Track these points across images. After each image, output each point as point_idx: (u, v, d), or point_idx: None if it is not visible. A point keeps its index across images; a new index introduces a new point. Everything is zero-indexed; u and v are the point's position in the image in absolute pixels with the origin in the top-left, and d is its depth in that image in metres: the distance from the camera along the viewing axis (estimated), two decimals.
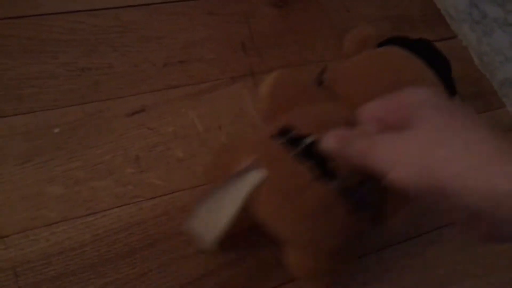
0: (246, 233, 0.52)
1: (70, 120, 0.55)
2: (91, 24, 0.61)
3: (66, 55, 0.59)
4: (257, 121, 0.57)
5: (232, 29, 0.67)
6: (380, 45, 0.56)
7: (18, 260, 0.47)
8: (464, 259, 0.58)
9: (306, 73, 0.50)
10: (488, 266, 0.58)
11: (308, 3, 0.72)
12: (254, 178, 0.41)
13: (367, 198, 0.40)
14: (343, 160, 0.33)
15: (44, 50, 0.58)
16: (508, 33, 0.70)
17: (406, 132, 0.30)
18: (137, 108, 0.58)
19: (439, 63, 0.55)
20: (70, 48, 0.59)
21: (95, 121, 0.55)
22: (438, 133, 0.29)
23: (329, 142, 0.33)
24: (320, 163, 0.39)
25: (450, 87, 0.53)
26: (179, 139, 0.57)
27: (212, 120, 0.59)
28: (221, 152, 0.51)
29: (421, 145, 0.29)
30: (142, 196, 0.52)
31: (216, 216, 0.44)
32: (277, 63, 0.66)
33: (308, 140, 0.40)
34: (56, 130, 0.54)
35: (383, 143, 0.30)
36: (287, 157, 0.40)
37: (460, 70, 0.73)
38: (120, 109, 0.57)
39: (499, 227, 0.28)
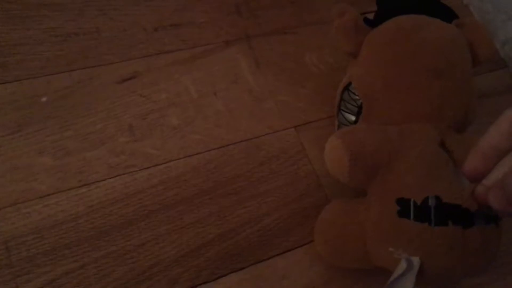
0: (247, 202, 0.51)
1: (58, 88, 0.52)
2: None
3: (51, 20, 0.56)
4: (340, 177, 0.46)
5: None
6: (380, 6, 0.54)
7: (10, 235, 0.45)
8: None
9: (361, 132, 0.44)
10: None
11: None
12: (413, 275, 0.39)
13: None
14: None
15: (28, 15, 0.55)
16: None
17: None
18: (128, 74, 0.55)
19: None
20: (55, 13, 0.56)
21: (84, 89, 0.53)
22: None
23: (498, 200, 0.32)
24: (454, 214, 0.39)
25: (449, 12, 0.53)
26: (173, 106, 0.55)
27: (207, 86, 0.57)
28: (337, 215, 0.47)
29: None
30: (136, 165, 0.51)
31: None
32: (273, 26, 0.63)
33: (433, 203, 0.39)
34: (44, 99, 0.51)
35: None
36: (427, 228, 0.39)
37: None
38: (111, 76, 0.54)
39: None
